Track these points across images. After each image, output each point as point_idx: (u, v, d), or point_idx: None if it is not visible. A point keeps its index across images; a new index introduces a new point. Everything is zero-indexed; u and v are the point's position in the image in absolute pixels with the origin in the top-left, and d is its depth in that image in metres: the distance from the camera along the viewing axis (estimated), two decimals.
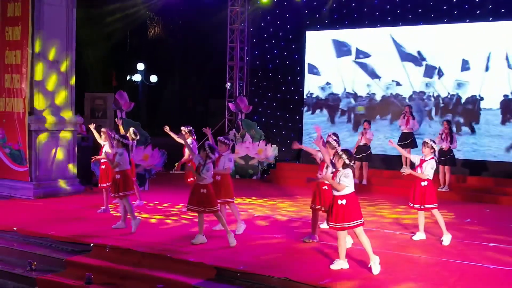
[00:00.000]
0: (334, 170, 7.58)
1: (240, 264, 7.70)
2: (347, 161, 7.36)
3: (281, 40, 18.26)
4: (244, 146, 17.03)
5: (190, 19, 24.05)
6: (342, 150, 7.55)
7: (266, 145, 17.07)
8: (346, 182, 7.35)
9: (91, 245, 8.70)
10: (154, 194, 13.48)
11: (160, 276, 7.67)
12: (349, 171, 7.38)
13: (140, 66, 27.09)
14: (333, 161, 7.59)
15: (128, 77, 28.14)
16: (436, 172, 13.68)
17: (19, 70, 12.73)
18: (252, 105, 18.22)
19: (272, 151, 17.04)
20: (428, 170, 9.09)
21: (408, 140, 14.67)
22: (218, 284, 7.41)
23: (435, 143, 9.29)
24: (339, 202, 7.40)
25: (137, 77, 27.46)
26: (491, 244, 9.14)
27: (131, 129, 11.88)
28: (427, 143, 9.22)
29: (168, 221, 10.61)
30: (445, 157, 13.67)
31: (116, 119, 12.29)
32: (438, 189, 13.76)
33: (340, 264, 7.60)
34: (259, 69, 18.82)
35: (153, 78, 27.96)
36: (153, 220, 10.56)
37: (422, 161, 9.18)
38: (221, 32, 19.94)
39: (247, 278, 7.44)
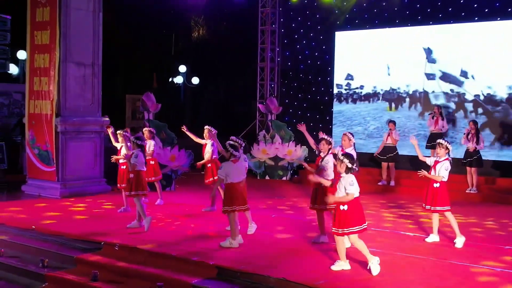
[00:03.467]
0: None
1: (242, 264, 7.72)
2: (349, 165, 7.24)
3: (312, 41, 18.21)
4: (273, 147, 17.05)
5: (232, 20, 24.19)
6: (343, 154, 7.45)
7: (295, 146, 17.02)
8: (353, 190, 7.25)
9: (102, 243, 8.91)
10: (178, 194, 13.66)
11: (162, 274, 7.77)
12: (353, 178, 7.27)
13: (182, 68, 27.36)
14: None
15: (170, 79, 28.43)
16: (464, 173, 13.51)
17: (47, 73, 13.14)
18: (283, 106, 18.23)
19: (301, 152, 16.96)
20: (442, 171, 8.90)
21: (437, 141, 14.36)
22: (217, 283, 7.45)
23: (449, 144, 9.12)
24: (341, 207, 7.34)
25: (179, 79, 27.73)
26: (507, 247, 8.88)
27: (145, 128, 12.16)
28: (441, 144, 9.05)
29: (182, 220, 10.71)
30: (471, 158, 13.36)
31: (126, 122, 12.55)
32: (466, 191, 13.51)
33: (341, 265, 7.52)
34: (290, 70, 18.81)
35: (195, 80, 28.19)
36: (168, 220, 10.67)
37: (436, 163, 9.02)
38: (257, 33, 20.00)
39: (246, 278, 7.45)
